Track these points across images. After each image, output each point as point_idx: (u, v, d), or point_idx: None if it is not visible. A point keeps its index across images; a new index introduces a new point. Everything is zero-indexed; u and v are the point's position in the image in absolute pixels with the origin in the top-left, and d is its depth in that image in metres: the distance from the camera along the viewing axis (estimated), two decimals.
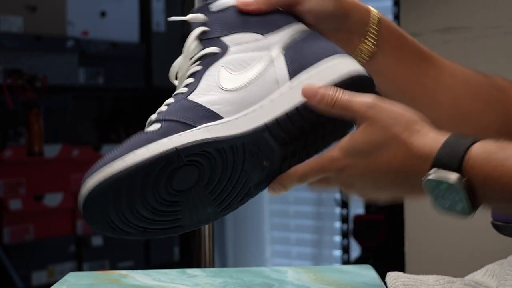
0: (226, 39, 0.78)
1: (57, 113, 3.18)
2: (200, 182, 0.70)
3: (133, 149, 0.72)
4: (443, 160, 0.71)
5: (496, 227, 1.11)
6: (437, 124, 0.97)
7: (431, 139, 0.73)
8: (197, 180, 0.70)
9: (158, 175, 0.67)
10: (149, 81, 3.57)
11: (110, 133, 3.64)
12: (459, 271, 1.04)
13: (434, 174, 0.72)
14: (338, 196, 3.50)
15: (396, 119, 0.74)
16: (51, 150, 3.08)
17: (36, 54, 3.13)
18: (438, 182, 0.72)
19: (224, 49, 0.77)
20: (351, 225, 3.23)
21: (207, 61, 0.77)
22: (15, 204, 2.99)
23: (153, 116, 0.76)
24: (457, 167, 0.71)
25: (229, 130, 0.70)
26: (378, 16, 0.89)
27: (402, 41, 0.90)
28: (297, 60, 0.76)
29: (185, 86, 0.77)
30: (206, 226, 1.60)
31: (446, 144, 0.72)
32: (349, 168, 0.76)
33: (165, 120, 0.73)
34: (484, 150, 0.71)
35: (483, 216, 1.11)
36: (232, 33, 0.78)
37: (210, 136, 0.69)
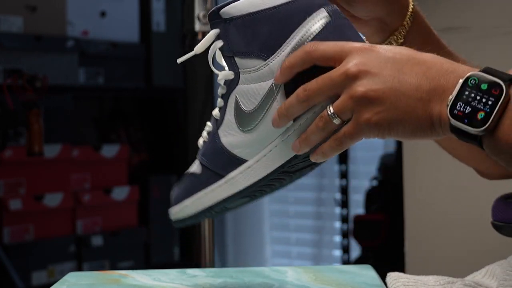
0: (237, 61, 0.80)
1: (57, 113, 3.18)
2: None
3: (187, 196, 0.83)
4: (492, 71, 0.69)
5: (496, 227, 1.11)
6: None
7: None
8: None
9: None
10: (149, 81, 3.57)
11: (110, 133, 3.64)
12: (459, 271, 1.04)
13: (482, 72, 0.69)
14: (338, 196, 3.50)
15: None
16: (51, 150, 3.08)
17: (36, 54, 3.13)
18: (481, 80, 0.68)
19: (237, 75, 0.80)
20: (351, 225, 3.23)
21: (229, 84, 0.81)
22: (15, 204, 2.99)
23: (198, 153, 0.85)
24: (508, 79, 0.68)
25: (252, 177, 0.80)
26: (414, 11, 0.91)
27: (429, 37, 0.93)
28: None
29: (218, 110, 0.83)
30: (206, 226, 1.60)
31: (488, 69, 0.70)
32: (362, 75, 0.71)
33: (203, 165, 0.83)
34: None
35: (483, 216, 1.11)
36: (239, 55, 0.80)
37: (235, 191, 0.80)
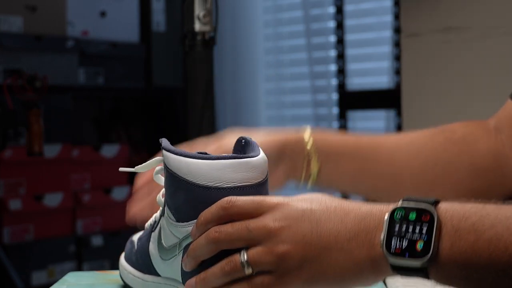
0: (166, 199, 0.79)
1: (57, 113, 3.18)
2: None
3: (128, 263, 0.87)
4: (413, 198, 0.67)
5: None
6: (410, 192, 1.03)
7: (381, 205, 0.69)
8: None
9: None
10: (149, 81, 3.57)
11: (110, 133, 3.64)
12: None
13: (405, 202, 0.66)
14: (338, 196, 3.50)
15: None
16: (51, 150, 3.08)
17: (36, 54, 3.13)
18: (408, 210, 0.65)
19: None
20: None
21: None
22: (15, 204, 2.99)
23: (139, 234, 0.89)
24: (433, 202, 0.66)
25: None
26: (309, 139, 0.95)
27: (339, 150, 0.97)
28: None
29: (154, 217, 0.84)
30: None
31: (408, 197, 0.67)
32: (281, 231, 0.68)
33: (136, 256, 0.85)
34: (453, 206, 0.66)
35: None
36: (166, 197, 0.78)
37: None
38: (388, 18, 3.15)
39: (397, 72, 2.85)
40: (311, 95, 3.44)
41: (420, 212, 0.65)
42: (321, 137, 0.97)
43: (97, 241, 3.25)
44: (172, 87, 3.62)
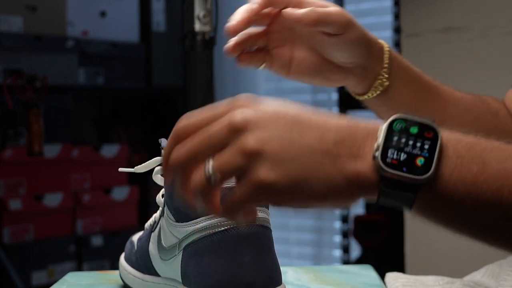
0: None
1: (57, 113, 3.18)
2: None
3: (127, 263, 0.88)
4: (410, 116, 0.59)
5: None
6: None
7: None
8: None
9: None
10: (149, 81, 3.57)
11: (110, 133, 3.64)
12: (459, 271, 1.04)
13: (407, 115, 0.59)
14: None
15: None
16: (51, 150, 3.08)
17: (36, 54, 3.13)
18: (410, 123, 0.58)
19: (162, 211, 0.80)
20: (351, 225, 3.23)
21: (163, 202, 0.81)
22: (15, 204, 2.99)
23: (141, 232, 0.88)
24: (431, 121, 0.59)
25: None
26: (389, 52, 0.89)
27: (411, 76, 0.91)
28: None
29: (154, 217, 0.84)
30: None
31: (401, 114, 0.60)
32: (250, 126, 0.57)
33: (136, 256, 0.85)
34: (456, 134, 0.60)
35: None
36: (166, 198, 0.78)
37: None
38: (388, 18, 3.15)
39: None
40: (311, 95, 3.44)
41: (423, 126, 0.58)
42: (397, 56, 0.91)
43: (97, 241, 3.25)
44: (172, 87, 3.62)
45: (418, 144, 0.57)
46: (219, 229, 0.72)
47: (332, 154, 0.57)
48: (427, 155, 0.57)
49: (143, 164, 0.80)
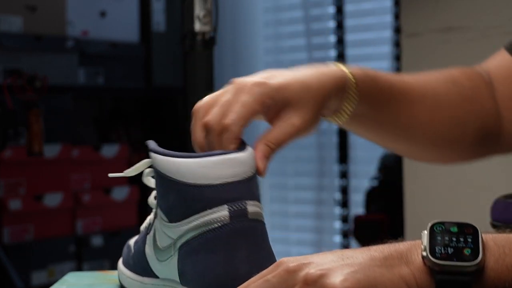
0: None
1: (57, 113, 3.18)
2: None
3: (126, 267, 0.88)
4: (446, 220, 0.65)
5: (495, 227, 1.11)
6: (419, 153, 0.99)
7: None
8: None
9: None
10: (149, 81, 3.57)
11: (110, 133, 3.64)
12: None
13: (441, 220, 0.65)
14: (338, 196, 3.50)
15: None
16: (51, 150, 3.08)
17: (36, 54, 3.13)
18: (448, 224, 0.64)
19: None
20: (351, 225, 3.23)
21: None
22: (15, 204, 2.99)
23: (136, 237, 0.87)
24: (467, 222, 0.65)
25: None
26: (353, 78, 0.86)
27: (376, 89, 0.90)
28: None
29: (148, 220, 0.83)
30: None
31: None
32: (310, 265, 0.63)
33: (133, 260, 0.85)
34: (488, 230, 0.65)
35: (483, 216, 1.11)
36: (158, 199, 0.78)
37: None
38: (388, 18, 3.15)
39: (397, 72, 2.86)
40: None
41: (461, 225, 0.64)
42: (363, 83, 0.88)
43: (97, 241, 3.25)
44: (172, 87, 3.62)
45: (462, 239, 0.63)
46: (213, 226, 0.72)
47: (386, 265, 0.62)
48: (472, 246, 0.62)
49: (132, 168, 0.80)
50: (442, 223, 0.64)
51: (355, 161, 3.49)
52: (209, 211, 0.72)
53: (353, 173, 3.49)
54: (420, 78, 0.95)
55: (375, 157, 3.18)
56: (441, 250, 0.62)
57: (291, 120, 0.81)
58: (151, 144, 0.77)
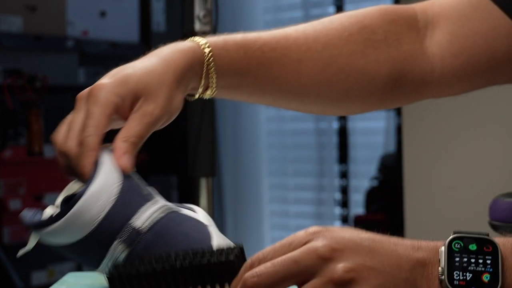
0: None
1: (57, 113, 3.17)
2: None
3: None
4: (465, 233, 0.62)
5: (494, 227, 1.11)
6: (317, 109, 0.93)
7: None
8: None
9: None
10: None
11: (110, 133, 3.64)
12: None
13: (461, 234, 0.62)
14: (338, 196, 3.50)
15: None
16: (51, 150, 3.07)
17: (36, 54, 3.13)
18: (467, 241, 0.61)
19: None
20: (351, 225, 3.22)
21: None
22: (15, 204, 2.99)
23: None
24: (485, 234, 0.62)
25: None
26: (209, 52, 0.82)
27: (244, 57, 0.84)
28: None
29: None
30: None
31: (457, 232, 0.63)
32: (330, 231, 0.62)
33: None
34: (509, 240, 0.62)
35: (481, 216, 1.11)
36: None
37: None
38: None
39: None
40: None
41: (480, 241, 0.61)
42: (221, 54, 0.83)
43: None
44: None
45: (480, 261, 0.60)
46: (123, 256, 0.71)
47: (410, 280, 0.60)
48: (491, 270, 0.59)
49: (26, 247, 0.83)
50: (461, 239, 0.61)
51: (355, 161, 3.49)
52: (111, 250, 0.71)
53: (353, 173, 3.49)
54: (312, 29, 0.87)
55: (375, 157, 3.18)
56: (459, 275, 0.59)
57: (145, 109, 0.78)
58: (26, 218, 0.79)
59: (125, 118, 0.79)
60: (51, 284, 0.91)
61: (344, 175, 3.48)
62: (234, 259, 0.63)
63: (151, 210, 0.73)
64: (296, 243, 0.62)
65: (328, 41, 0.86)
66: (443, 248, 0.61)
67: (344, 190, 3.47)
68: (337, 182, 3.50)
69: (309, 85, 0.87)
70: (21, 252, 0.81)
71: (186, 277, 0.62)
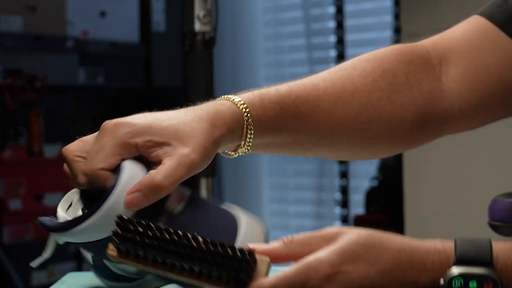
0: None
1: (57, 113, 3.18)
2: None
3: None
4: (468, 255, 0.62)
5: (493, 227, 1.11)
6: (349, 156, 0.95)
7: (433, 241, 0.65)
8: None
9: None
10: (149, 81, 3.57)
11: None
12: None
13: (461, 268, 0.62)
14: (338, 196, 3.50)
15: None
16: (51, 150, 3.08)
17: (36, 54, 3.13)
18: (467, 278, 0.61)
19: None
20: (351, 225, 3.22)
21: None
22: (15, 204, 2.99)
23: None
24: (489, 261, 0.61)
25: None
26: (247, 113, 0.81)
27: (279, 113, 0.83)
28: None
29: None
30: None
31: (461, 240, 0.63)
32: (344, 274, 0.64)
33: None
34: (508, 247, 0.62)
35: (483, 216, 1.11)
36: None
37: None
38: (388, 18, 3.15)
39: None
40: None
41: (481, 279, 0.60)
42: (259, 113, 0.82)
43: None
44: (172, 87, 3.62)
45: None
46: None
47: None
48: None
49: (44, 256, 0.86)
50: (463, 276, 0.61)
51: (355, 161, 3.49)
52: None
53: (353, 173, 3.49)
54: (338, 77, 0.88)
55: None
56: None
57: (184, 152, 0.77)
58: (45, 222, 0.81)
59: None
60: (51, 284, 0.91)
61: (344, 175, 3.48)
62: (241, 256, 0.64)
63: (182, 193, 0.75)
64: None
65: (355, 89, 0.87)
66: (442, 281, 0.61)
67: (344, 190, 3.47)
68: (337, 182, 3.50)
69: (341, 134, 0.88)
70: (38, 261, 0.83)
71: (184, 257, 0.64)
